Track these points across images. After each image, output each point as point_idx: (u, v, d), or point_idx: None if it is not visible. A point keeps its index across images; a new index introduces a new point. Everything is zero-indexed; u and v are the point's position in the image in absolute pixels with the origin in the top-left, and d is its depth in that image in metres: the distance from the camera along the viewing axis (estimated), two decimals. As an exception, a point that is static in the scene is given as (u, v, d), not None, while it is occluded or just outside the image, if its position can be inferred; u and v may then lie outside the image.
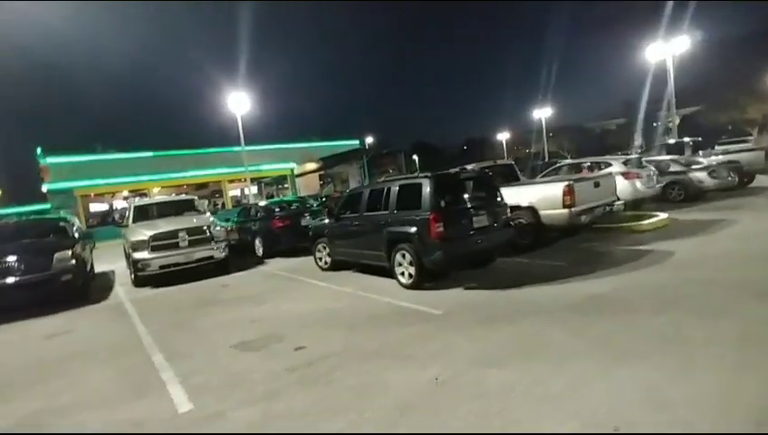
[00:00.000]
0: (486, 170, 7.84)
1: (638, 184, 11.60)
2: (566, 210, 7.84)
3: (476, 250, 6.63)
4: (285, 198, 21.42)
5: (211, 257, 10.14)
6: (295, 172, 37.66)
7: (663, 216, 9.93)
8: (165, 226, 10.02)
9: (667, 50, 22.39)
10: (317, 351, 4.64)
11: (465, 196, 6.78)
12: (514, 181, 10.22)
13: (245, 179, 33.94)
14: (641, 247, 7.55)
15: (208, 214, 11.63)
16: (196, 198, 12.82)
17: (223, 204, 33.12)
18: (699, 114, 51.53)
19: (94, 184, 28.49)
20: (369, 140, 54.90)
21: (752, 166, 14.08)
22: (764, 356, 3.38)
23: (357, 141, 46.19)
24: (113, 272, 12.51)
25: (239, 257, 12.45)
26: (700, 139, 17.64)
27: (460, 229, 6.42)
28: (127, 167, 31.38)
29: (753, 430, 2.56)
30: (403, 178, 7.30)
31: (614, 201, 8.80)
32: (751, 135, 37.65)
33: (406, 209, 6.77)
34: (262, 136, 41.68)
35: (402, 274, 6.83)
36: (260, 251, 12.04)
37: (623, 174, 11.68)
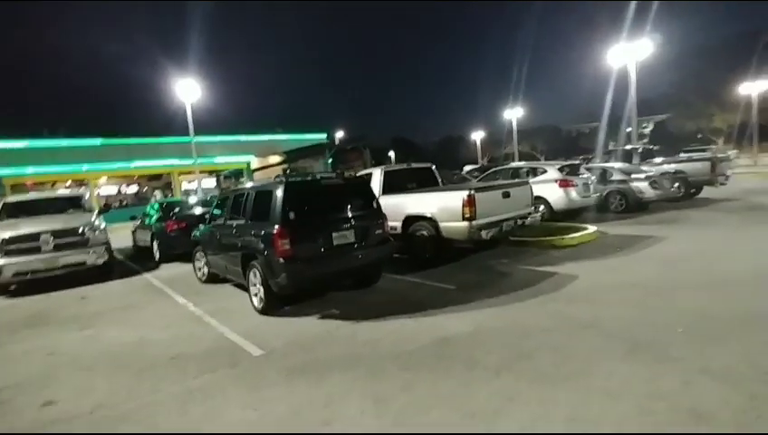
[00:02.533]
0: (363, 176, 6.74)
1: (573, 193, 10.76)
2: (465, 223, 6.84)
3: (335, 272, 5.53)
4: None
5: (83, 263, 8.86)
6: (256, 165, 36.15)
7: (591, 229, 9.05)
8: (27, 226, 8.67)
9: (628, 54, 21.73)
10: (65, 409, 3.54)
11: (327, 207, 5.67)
12: (434, 187, 9.20)
13: (197, 172, 32.44)
14: (547, 269, 6.61)
15: (95, 213, 10.30)
16: (83, 193, 11.43)
17: (171, 195, 31.45)
18: (669, 122, 51.90)
19: (22, 173, 26.42)
20: (340, 134, 53.44)
21: (698, 177, 13.40)
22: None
23: (324, 135, 44.85)
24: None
25: (139, 261, 11.21)
26: (654, 147, 17.02)
27: (314, 247, 5.33)
28: (72, 154, 29.47)
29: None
30: (260, 184, 6.18)
31: (528, 214, 7.84)
32: (716, 144, 37.77)
33: (259, 220, 5.66)
34: (224, 127, 39.90)
35: (256, 295, 5.72)
36: (157, 255, 10.77)
37: (557, 182, 10.83)
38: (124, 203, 31.21)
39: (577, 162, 11.94)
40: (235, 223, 6.28)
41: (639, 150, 15.74)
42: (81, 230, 8.94)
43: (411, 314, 5.12)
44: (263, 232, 5.40)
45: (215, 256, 7.08)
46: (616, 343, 3.79)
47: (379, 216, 5.99)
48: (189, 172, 32.05)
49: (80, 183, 30.39)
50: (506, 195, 7.36)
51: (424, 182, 9.18)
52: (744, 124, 34.81)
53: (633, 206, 11.96)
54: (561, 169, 11.01)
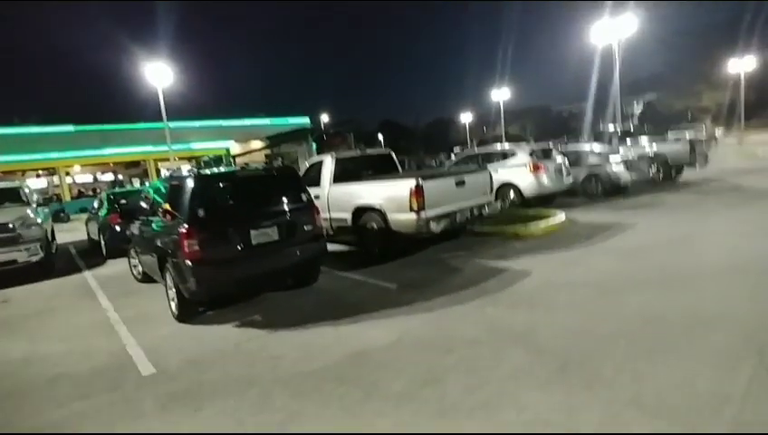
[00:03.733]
0: (292, 167, 6.09)
1: (544, 177, 10.21)
2: (413, 215, 6.27)
3: (256, 275, 4.94)
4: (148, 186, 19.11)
5: (14, 261, 8.21)
6: (238, 151, 35.18)
7: (560, 217, 8.53)
8: (-52, 222, 7.99)
9: (612, 32, 20.98)
10: None
11: (245, 202, 5.06)
12: (403, 173, 8.58)
13: (176, 159, 31.53)
14: (501, 264, 6.08)
15: (33, 206, 9.60)
16: (22, 185, 10.68)
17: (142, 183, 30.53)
18: (658, 101, 51.37)
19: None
20: (325, 118, 52.35)
21: (677, 159, 12.90)
22: None
23: (307, 119, 43.83)
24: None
25: (88, 257, 10.58)
26: (632, 127, 16.46)
27: (229, 248, 4.73)
28: (43, 142, 28.41)
29: None
30: (179, 175, 5.54)
31: (485, 203, 7.28)
32: (703, 124, 37.27)
33: (172, 218, 5.05)
34: (204, 112, 38.71)
35: (173, 299, 5.14)
36: (104, 250, 10.13)
37: (527, 166, 10.27)
38: (98, 191, 30.28)
39: (549, 145, 11.35)
40: (154, 220, 5.67)
41: (618, 132, 15.19)
42: (11, 226, 8.27)
43: (336, 320, 4.58)
44: (172, 231, 4.80)
45: (142, 254, 6.49)
46: (544, 361, 3.27)
47: (310, 210, 5.39)
48: (166, 159, 31.15)
49: (50, 171, 29.44)
50: (460, 183, 6.78)
51: (382, 170, 8.56)
52: (732, 103, 34.35)
53: (609, 190, 11.47)
54: (531, 153, 10.42)
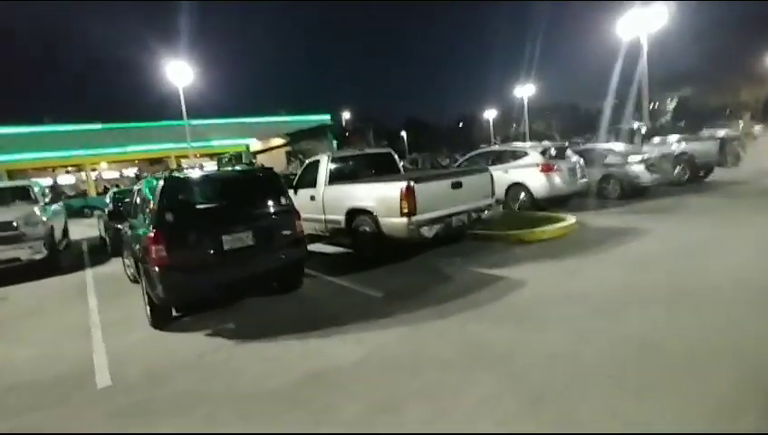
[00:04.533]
0: (271, 169, 5.82)
1: (557, 179, 9.68)
2: (404, 219, 5.95)
3: (229, 282, 4.73)
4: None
5: (17, 259, 8.33)
6: (258, 148, 35.47)
7: (570, 221, 8.03)
8: (-45, 220, 8.16)
9: (640, 24, 19.93)
10: None
11: (218, 206, 4.85)
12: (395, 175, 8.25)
13: (197, 155, 32.09)
14: (497, 272, 5.69)
15: (41, 204, 9.74)
16: (33, 183, 10.85)
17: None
18: (693, 97, 49.03)
19: (20, 159, 26.38)
20: (347, 115, 52.27)
21: (706, 158, 12.06)
22: None
23: (328, 116, 43.82)
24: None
25: (96, 254, 10.72)
26: (659, 125, 15.56)
27: (199, 254, 4.54)
28: (72, 139, 29.34)
29: None
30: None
31: (486, 206, 6.88)
32: (740, 121, 35.30)
33: (144, 220, 4.89)
34: (228, 110, 39.20)
35: (147, 305, 4.99)
36: (109, 248, 10.21)
37: (539, 166, 9.77)
38: (120, 187, 31.11)
39: (564, 144, 10.78)
40: (132, 222, 5.55)
41: (643, 130, 14.36)
42: (14, 224, 8.38)
43: (309, 332, 4.33)
44: (142, 236, 4.64)
45: (127, 256, 6.41)
46: (517, 391, 2.92)
47: (290, 213, 5.15)
48: (186, 156, 31.69)
49: (79, 168, 30.38)
50: (457, 185, 6.40)
51: (381, 170, 8.25)
52: (773, 98, 32.37)
53: (629, 192, 10.81)
54: (543, 153, 9.90)
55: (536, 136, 56.04)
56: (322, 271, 6.64)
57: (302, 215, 8.18)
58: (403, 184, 5.89)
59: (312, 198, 7.82)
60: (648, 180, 10.60)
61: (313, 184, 7.79)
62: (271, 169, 5.69)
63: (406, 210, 5.87)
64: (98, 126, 31.75)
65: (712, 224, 7.36)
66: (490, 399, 2.87)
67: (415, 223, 5.90)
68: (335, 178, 7.62)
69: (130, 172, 34.16)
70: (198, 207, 4.80)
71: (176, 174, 4.79)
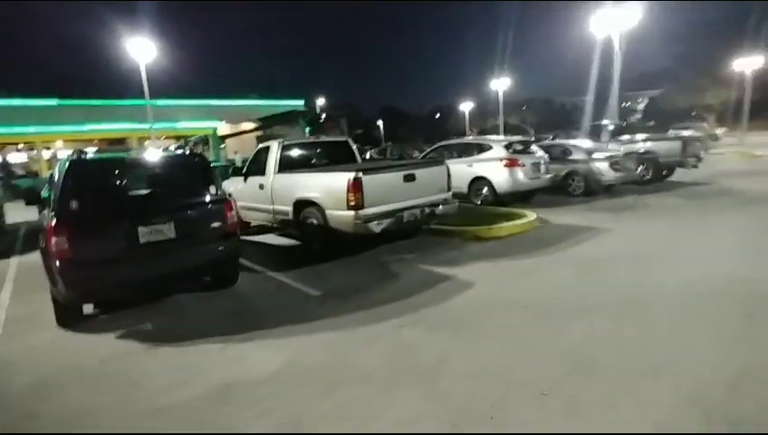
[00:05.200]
0: (200, 154, 5.34)
1: (520, 173, 9.47)
2: (350, 212, 5.58)
3: (144, 278, 4.26)
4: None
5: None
6: (227, 132, 34.24)
7: (530, 217, 7.83)
8: None
9: (612, 22, 19.94)
10: None
11: (133, 194, 4.36)
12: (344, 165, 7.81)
13: (161, 138, 30.73)
14: (447, 271, 5.40)
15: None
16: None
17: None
18: (662, 97, 50.20)
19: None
20: (321, 102, 51.20)
21: (668, 158, 12.12)
22: None
23: (302, 102, 42.78)
24: None
25: (34, 240, 9.92)
26: (624, 123, 15.64)
27: (109, 247, 4.06)
28: (25, 115, 27.50)
29: None
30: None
31: (441, 201, 6.57)
32: (705, 122, 36.28)
33: (50, 208, 4.35)
34: (194, 91, 37.62)
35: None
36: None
37: (502, 160, 9.52)
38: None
39: (530, 138, 10.58)
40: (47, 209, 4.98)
41: (611, 127, 14.37)
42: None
43: (231, 336, 3.93)
44: (44, 225, 4.11)
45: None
46: (439, 412, 2.61)
47: (221, 205, 4.68)
48: (148, 137, 30.30)
49: (30, 146, 28.67)
50: (409, 178, 6.05)
51: (338, 160, 7.82)
52: (737, 102, 33.32)
53: (592, 189, 10.73)
54: (507, 147, 9.67)
55: (510, 129, 56.45)
56: (267, 265, 6.22)
57: (251, 204, 7.80)
58: (350, 175, 5.50)
59: (261, 186, 7.34)
60: (611, 178, 10.54)
61: (263, 172, 7.32)
62: (199, 154, 5.18)
63: (353, 203, 5.50)
64: (53, 102, 29.93)
65: (670, 225, 7.29)
66: (409, 421, 2.56)
67: (362, 217, 5.54)
68: (285, 166, 7.16)
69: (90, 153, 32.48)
70: (112, 194, 4.28)
71: (86, 155, 4.24)
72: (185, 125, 30.74)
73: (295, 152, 7.44)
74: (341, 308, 4.40)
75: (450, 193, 6.74)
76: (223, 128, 35.47)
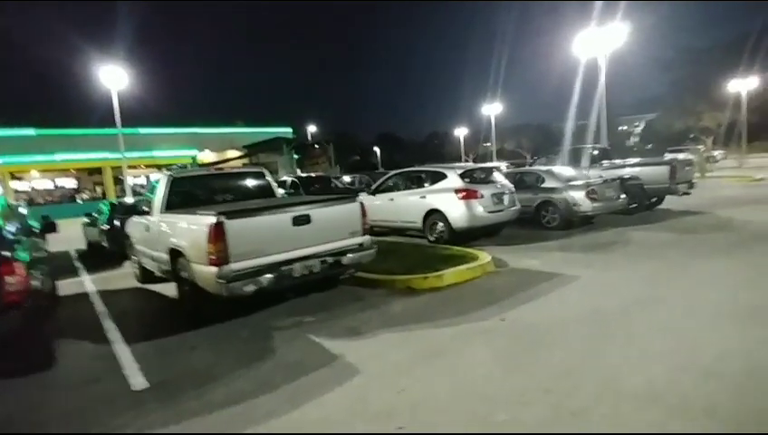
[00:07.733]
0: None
1: (478, 207, 8.12)
2: (213, 268, 4.20)
3: None
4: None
5: None
6: (212, 160, 33.28)
7: (483, 260, 6.46)
8: None
9: (598, 44, 18.98)
10: None
11: None
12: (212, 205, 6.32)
13: (136, 167, 29.78)
14: (338, 349, 3.99)
15: None
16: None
17: (103, 193, 28.68)
18: (658, 120, 49.35)
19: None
20: (313, 129, 50.46)
21: (655, 184, 10.77)
22: None
23: (290, 129, 42.09)
24: None
25: None
26: (610, 147, 14.40)
27: None
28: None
29: None
30: None
31: (351, 247, 5.16)
32: (703, 144, 35.15)
33: None
34: (177, 119, 36.94)
35: None
36: None
37: (457, 192, 8.20)
38: (49, 200, 28.44)
39: (493, 165, 9.29)
40: None
41: (595, 152, 13.08)
42: None
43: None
44: None
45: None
46: None
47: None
48: (130, 166, 29.34)
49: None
50: (302, 220, 4.66)
51: (249, 195, 6.52)
52: (734, 124, 32.25)
53: (569, 221, 9.35)
54: (463, 175, 8.34)
55: (506, 155, 55.36)
56: (127, 330, 4.86)
57: (142, 248, 6.47)
58: (210, 220, 4.15)
59: (147, 228, 6.02)
60: (588, 208, 9.16)
61: (149, 211, 6.01)
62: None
63: (213, 257, 4.12)
64: (32, 132, 29.18)
65: (649, 273, 5.84)
66: None
67: (226, 275, 4.15)
68: (176, 204, 5.82)
69: (65, 183, 31.50)
70: None
71: None
72: (161, 154, 29.78)
73: (191, 187, 6.14)
74: (153, 416, 2.98)
75: (366, 237, 5.34)
76: (207, 155, 34.65)
